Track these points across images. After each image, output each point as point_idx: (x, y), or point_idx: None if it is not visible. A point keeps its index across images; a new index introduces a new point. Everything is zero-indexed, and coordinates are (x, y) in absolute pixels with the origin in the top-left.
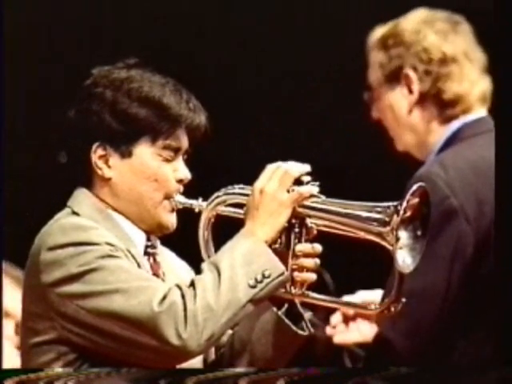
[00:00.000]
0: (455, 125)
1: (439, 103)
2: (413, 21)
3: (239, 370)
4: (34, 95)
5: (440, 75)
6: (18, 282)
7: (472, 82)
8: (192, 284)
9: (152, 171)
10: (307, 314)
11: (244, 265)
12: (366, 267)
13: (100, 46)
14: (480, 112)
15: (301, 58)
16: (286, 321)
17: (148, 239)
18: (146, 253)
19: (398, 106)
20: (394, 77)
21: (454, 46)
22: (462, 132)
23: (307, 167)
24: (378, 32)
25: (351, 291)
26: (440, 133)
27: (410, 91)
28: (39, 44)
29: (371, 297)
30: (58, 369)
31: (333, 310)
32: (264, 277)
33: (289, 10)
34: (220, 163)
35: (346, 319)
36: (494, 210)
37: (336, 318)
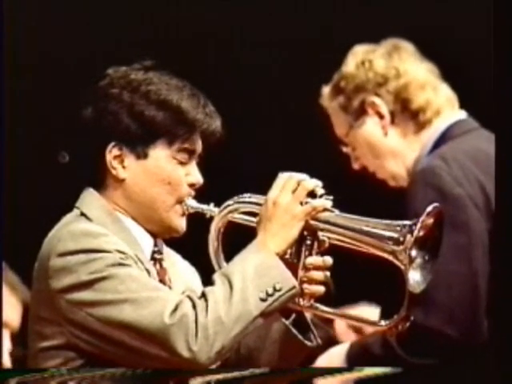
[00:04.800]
0: (440, 126)
1: (410, 113)
2: (354, 57)
3: (245, 371)
4: (35, 94)
5: (401, 88)
6: (13, 289)
7: (434, 88)
8: (203, 295)
9: (166, 174)
10: (307, 314)
11: (255, 278)
12: (368, 275)
13: (101, 46)
14: (453, 115)
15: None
16: (294, 331)
17: (155, 244)
18: (152, 258)
19: (373, 135)
20: (361, 111)
21: (401, 61)
22: (450, 131)
23: (319, 182)
24: (325, 87)
25: (355, 298)
26: (419, 141)
27: (381, 116)
28: (39, 44)
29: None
30: (62, 369)
31: None
32: (275, 290)
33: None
34: (233, 169)
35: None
36: (494, 211)
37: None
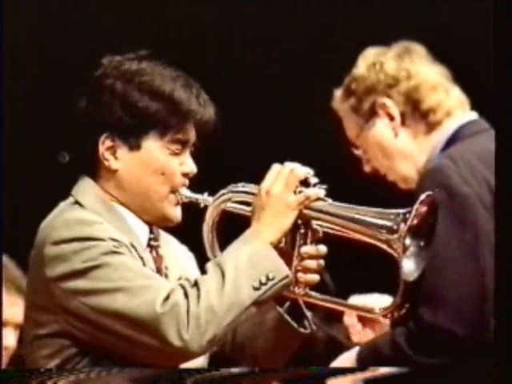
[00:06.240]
0: (450, 127)
1: (420, 114)
2: (365, 59)
3: (237, 369)
4: (35, 94)
5: (412, 89)
6: (18, 289)
7: (446, 90)
8: (196, 284)
9: (160, 164)
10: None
11: (249, 267)
12: (365, 268)
13: (101, 46)
14: (464, 116)
15: (312, 56)
16: (288, 319)
17: (151, 232)
18: (148, 245)
19: (384, 136)
20: (371, 113)
21: (412, 63)
22: (460, 132)
23: (310, 170)
24: (337, 90)
25: (351, 292)
26: (430, 142)
27: (391, 117)
28: (39, 44)
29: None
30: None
31: (333, 311)
32: (268, 279)
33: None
34: (227, 158)
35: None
36: (494, 210)
37: (351, 320)
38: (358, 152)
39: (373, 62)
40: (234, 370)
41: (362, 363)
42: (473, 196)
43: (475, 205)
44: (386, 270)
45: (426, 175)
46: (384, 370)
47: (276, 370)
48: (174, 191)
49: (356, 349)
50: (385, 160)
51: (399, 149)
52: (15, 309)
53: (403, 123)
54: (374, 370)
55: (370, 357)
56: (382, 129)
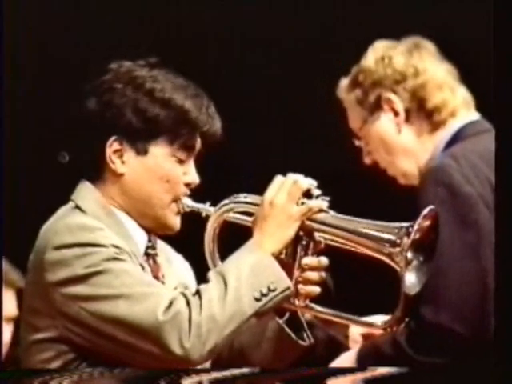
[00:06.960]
0: (454, 127)
1: (425, 113)
2: (374, 52)
3: (237, 370)
4: (35, 94)
5: (418, 86)
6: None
7: (452, 89)
8: (197, 293)
9: (165, 172)
10: (307, 315)
11: (250, 277)
12: (368, 274)
13: (101, 46)
14: (468, 116)
15: (312, 56)
16: (288, 330)
17: (149, 240)
18: (146, 253)
19: (387, 131)
20: (376, 106)
21: (421, 59)
22: (462, 132)
23: (313, 181)
24: (344, 79)
25: (353, 296)
26: (433, 141)
27: (395, 113)
28: (39, 44)
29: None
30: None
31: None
32: (269, 290)
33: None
34: (226, 159)
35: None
36: (494, 210)
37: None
38: (359, 143)
39: (382, 55)
40: (234, 370)
41: (363, 362)
42: (475, 195)
43: (477, 204)
44: (386, 283)
45: (429, 174)
46: (384, 370)
47: (276, 370)
48: (176, 200)
49: (356, 348)
50: (386, 154)
51: (401, 145)
52: (5, 302)
53: (407, 120)
54: (373, 370)
55: (370, 356)
56: (385, 123)
